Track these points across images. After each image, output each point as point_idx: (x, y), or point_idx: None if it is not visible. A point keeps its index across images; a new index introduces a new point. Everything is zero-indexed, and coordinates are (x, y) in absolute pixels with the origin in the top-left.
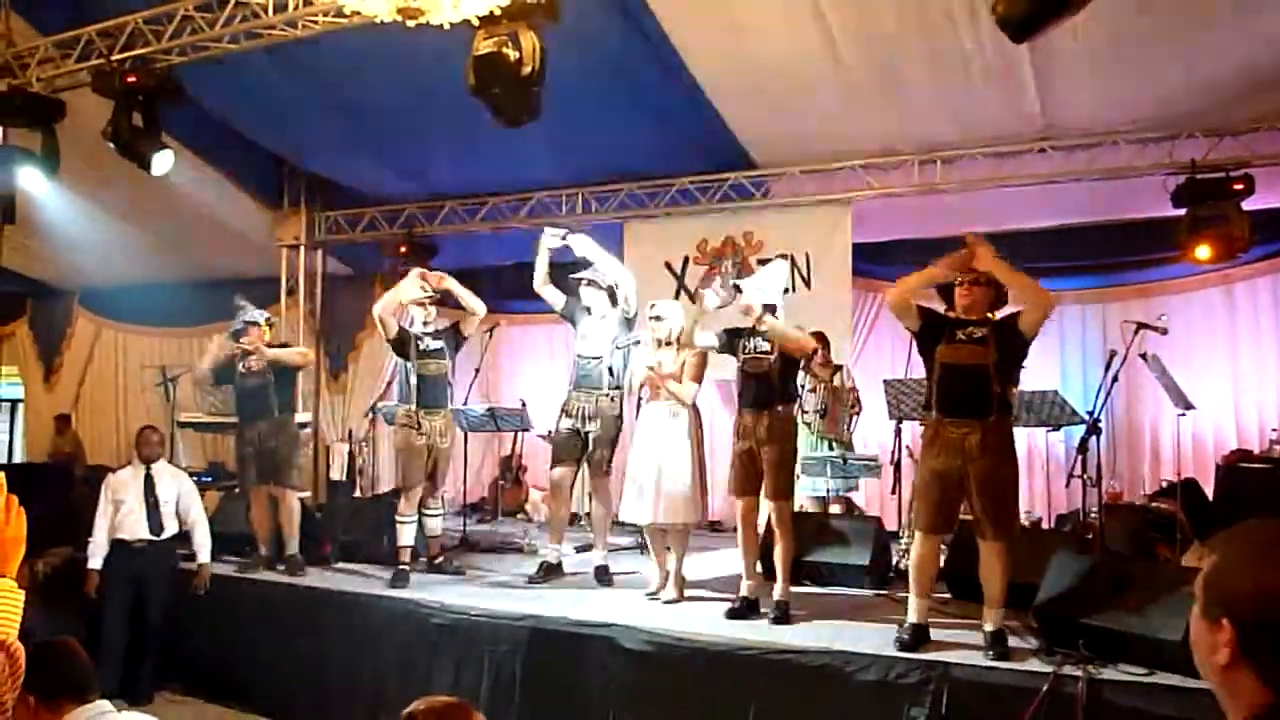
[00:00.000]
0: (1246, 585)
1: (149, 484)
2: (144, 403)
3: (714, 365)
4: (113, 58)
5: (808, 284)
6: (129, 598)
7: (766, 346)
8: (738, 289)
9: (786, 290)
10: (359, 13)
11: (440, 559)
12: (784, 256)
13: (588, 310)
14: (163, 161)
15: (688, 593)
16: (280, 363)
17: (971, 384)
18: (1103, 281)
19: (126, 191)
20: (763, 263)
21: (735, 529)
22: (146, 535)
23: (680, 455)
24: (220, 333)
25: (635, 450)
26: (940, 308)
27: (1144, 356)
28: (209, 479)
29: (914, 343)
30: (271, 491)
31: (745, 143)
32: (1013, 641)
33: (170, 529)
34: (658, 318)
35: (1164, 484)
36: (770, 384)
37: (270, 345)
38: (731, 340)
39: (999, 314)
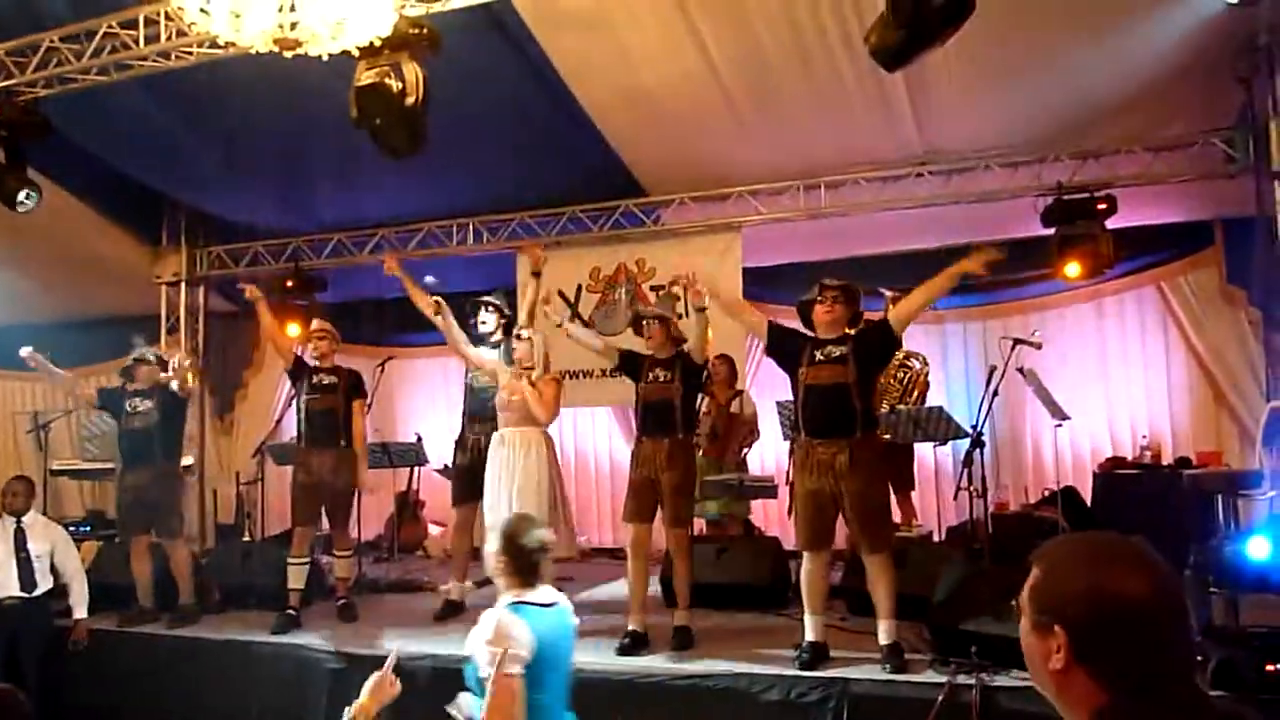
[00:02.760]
0: (1076, 590)
1: (20, 538)
2: (15, 450)
3: (609, 389)
4: None
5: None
6: (0, 658)
7: (667, 374)
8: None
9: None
10: (234, 44)
11: (343, 600)
12: (675, 283)
13: (483, 338)
14: (28, 199)
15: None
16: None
17: (834, 404)
18: (982, 299)
19: None
20: (655, 289)
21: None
22: (17, 592)
23: (530, 483)
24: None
25: (488, 481)
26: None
27: (1021, 370)
28: (87, 528)
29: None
30: (156, 542)
31: (634, 170)
32: (910, 653)
33: (44, 584)
34: (518, 337)
35: (1046, 492)
36: (671, 411)
37: (163, 390)
38: (631, 365)
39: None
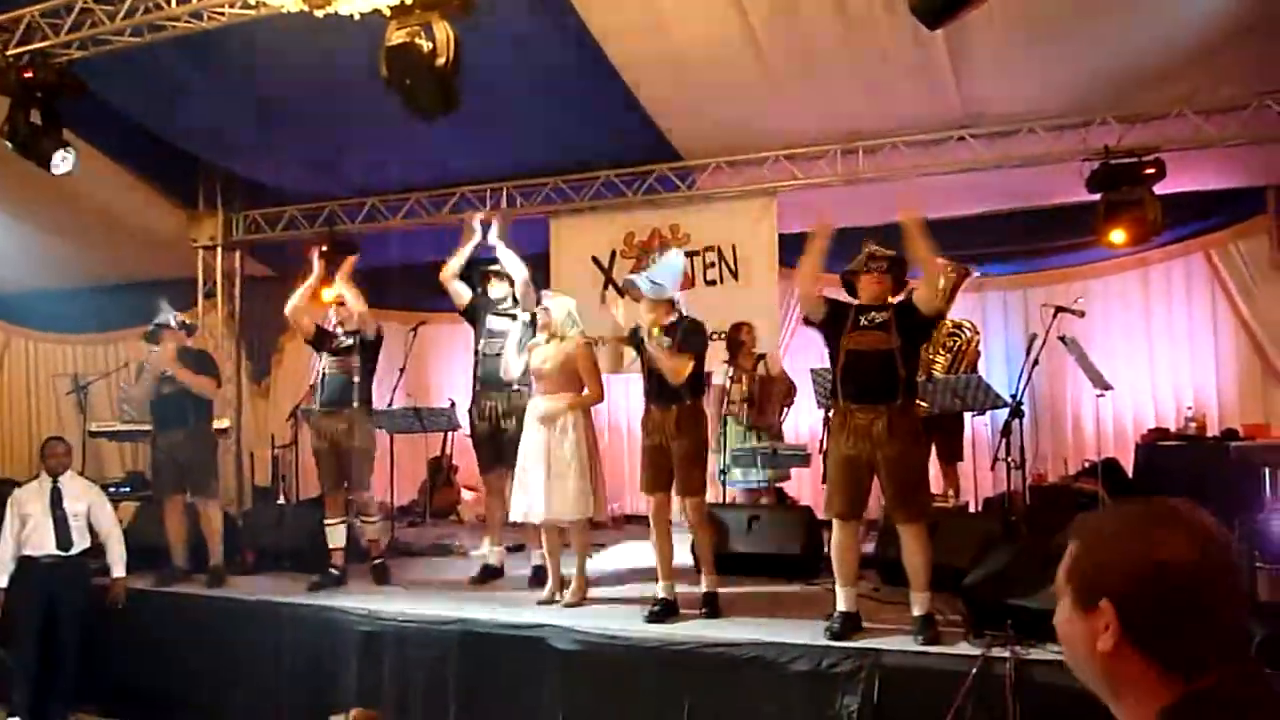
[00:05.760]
0: (1120, 558)
1: (55, 497)
2: (57, 412)
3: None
4: (7, 52)
5: (735, 276)
6: (39, 616)
7: (668, 340)
8: (633, 285)
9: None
10: (266, 3)
11: (379, 560)
12: (710, 249)
13: (495, 304)
14: (64, 161)
15: (594, 592)
16: (188, 387)
17: (877, 369)
18: (1023, 267)
19: (30, 193)
20: (690, 254)
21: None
22: (54, 550)
23: (566, 450)
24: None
25: (522, 447)
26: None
27: (1063, 339)
28: (127, 489)
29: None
30: (190, 502)
31: (669, 135)
32: (943, 625)
33: (81, 543)
34: (544, 308)
35: (1086, 464)
36: None
37: (189, 351)
38: (634, 336)
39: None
